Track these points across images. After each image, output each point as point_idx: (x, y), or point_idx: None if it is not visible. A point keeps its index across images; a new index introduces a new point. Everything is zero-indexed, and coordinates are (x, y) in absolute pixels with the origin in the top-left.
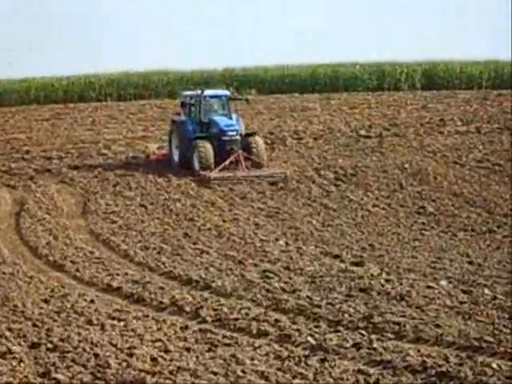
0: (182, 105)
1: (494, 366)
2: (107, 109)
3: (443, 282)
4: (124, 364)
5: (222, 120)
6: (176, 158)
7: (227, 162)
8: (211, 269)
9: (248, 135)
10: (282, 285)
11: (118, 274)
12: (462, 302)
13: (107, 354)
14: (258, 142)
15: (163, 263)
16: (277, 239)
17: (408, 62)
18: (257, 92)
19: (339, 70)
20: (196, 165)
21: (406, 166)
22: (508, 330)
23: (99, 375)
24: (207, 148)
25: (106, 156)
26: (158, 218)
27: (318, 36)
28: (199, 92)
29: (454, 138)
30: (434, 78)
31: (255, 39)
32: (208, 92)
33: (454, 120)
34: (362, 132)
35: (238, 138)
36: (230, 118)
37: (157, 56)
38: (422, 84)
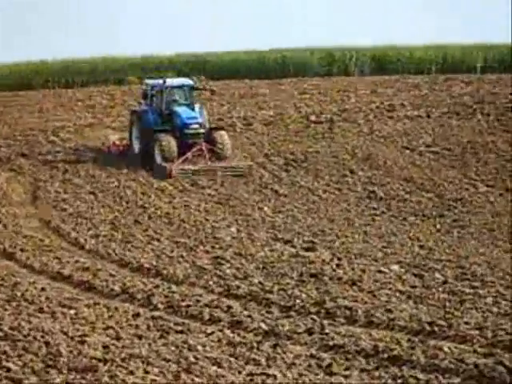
0: (144, 94)
1: (446, 349)
2: (55, 96)
3: (394, 267)
4: (75, 352)
5: (184, 111)
6: (137, 149)
7: (189, 154)
8: (162, 256)
9: (213, 129)
10: (234, 271)
11: (68, 262)
12: (413, 286)
13: (58, 342)
14: (223, 136)
15: (114, 251)
16: (228, 226)
17: (357, 47)
18: (207, 78)
19: (289, 55)
20: (158, 158)
21: (357, 151)
22: (459, 314)
23: (51, 363)
24: (170, 141)
25: (55, 143)
26: (108, 206)
27: (268, 22)
28: (161, 81)
29: (404, 122)
30: (384, 63)
31: (206, 25)
32: (170, 81)
33: (404, 105)
34: (313, 118)
35: (201, 131)
36: (193, 110)
37: (105, 42)
38: (371, 69)
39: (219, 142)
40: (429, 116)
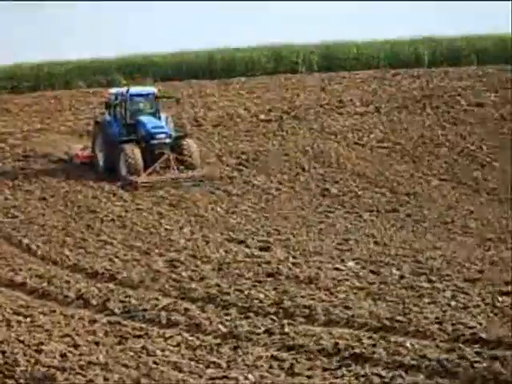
0: (107, 104)
1: (408, 345)
2: (1, 102)
3: (351, 264)
4: (32, 361)
5: (149, 121)
6: (101, 162)
7: (156, 165)
8: (116, 260)
9: (179, 137)
10: (190, 273)
11: (21, 269)
12: (370, 283)
13: (15, 351)
14: (191, 144)
15: (67, 256)
16: (181, 228)
17: (304, 45)
18: (152, 79)
19: (236, 54)
20: (123, 170)
21: (308, 148)
22: (418, 309)
23: (7, 373)
24: (135, 153)
25: (2, 150)
26: (59, 211)
27: (213, 21)
28: (124, 90)
29: (354, 118)
30: (331, 60)
31: (150, 26)
32: (133, 90)
33: (353, 101)
34: (262, 116)
35: (168, 140)
36: (159, 119)
37: (51, 46)
38: (318, 66)
39: (187, 151)
40: (378, 111)
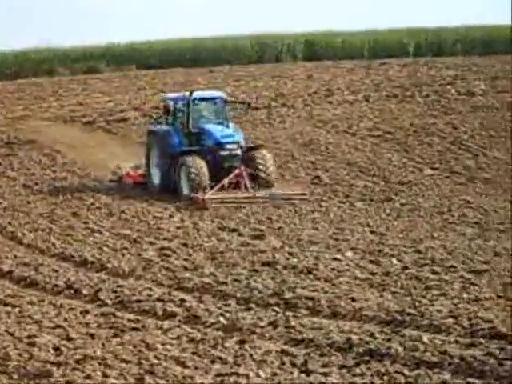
0: (166, 109)
1: (425, 340)
2: None
3: (349, 253)
4: (26, 355)
5: (217, 130)
6: (156, 179)
7: (226, 180)
8: (105, 249)
9: (252, 149)
10: (183, 262)
11: (7, 258)
12: (372, 273)
13: (5, 344)
14: (266, 156)
15: (54, 245)
16: (171, 216)
17: (289, 34)
18: (137, 67)
19: (221, 43)
20: (185, 187)
21: (297, 136)
22: (427, 302)
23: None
24: (199, 166)
25: None
26: (44, 199)
27: (199, 10)
28: (187, 94)
29: (343, 107)
30: (315, 49)
31: (136, 14)
32: (197, 94)
33: (341, 89)
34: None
35: (238, 152)
36: (227, 127)
37: (34, 32)
38: (303, 55)
39: (262, 166)
40: (367, 100)
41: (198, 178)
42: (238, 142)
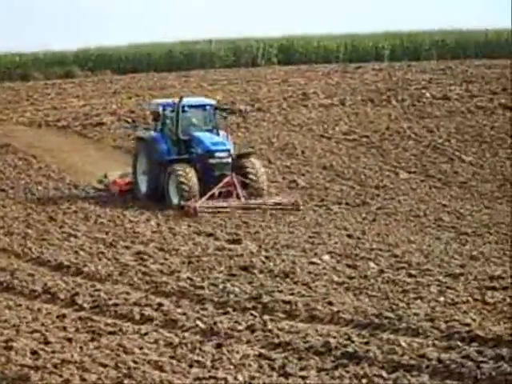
0: (155, 115)
1: (402, 343)
2: None
3: (326, 257)
4: (3, 359)
5: (206, 137)
6: (143, 187)
7: (215, 189)
8: (81, 253)
9: (241, 156)
10: (159, 266)
11: None
12: (349, 277)
13: None
14: (256, 164)
15: (29, 249)
16: (148, 220)
17: (264, 38)
18: (111, 72)
19: (195, 47)
20: (173, 196)
21: (273, 140)
22: (404, 305)
23: None
24: (188, 174)
25: None
26: (19, 203)
27: (172, 14)
28: (176, 100)
29: (319, 111)
30: (291, 53)
31: (109, 19)
32: (187, 100)
33: (317, 93)
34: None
35: (229, 160)
36: (218, 135)
37: (8, 37)
38: (278, 59)
39: (252, 175)
40: (343, 104)
41: (188, 187)
42: (228, 150)
